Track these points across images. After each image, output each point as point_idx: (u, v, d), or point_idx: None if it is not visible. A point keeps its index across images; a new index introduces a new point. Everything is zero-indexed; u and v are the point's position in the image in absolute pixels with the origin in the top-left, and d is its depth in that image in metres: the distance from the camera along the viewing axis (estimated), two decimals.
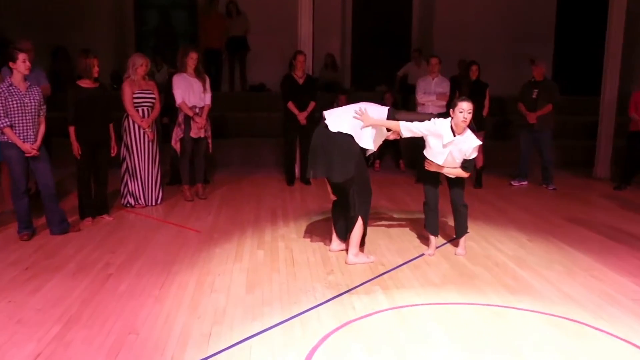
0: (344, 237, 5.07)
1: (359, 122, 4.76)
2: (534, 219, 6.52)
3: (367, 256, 4.96)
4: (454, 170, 4.86)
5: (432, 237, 5.18)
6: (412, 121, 4.81)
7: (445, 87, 8.20)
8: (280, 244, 5.42)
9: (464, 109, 4.64)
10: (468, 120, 4.66)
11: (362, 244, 5.01)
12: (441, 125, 4.76)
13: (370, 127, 4.79)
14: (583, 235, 5.89)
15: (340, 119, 4.78)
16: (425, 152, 4.93)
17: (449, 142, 4.71)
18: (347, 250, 4.96)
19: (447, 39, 11.87)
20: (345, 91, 10.19)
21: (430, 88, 8.21)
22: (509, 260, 5.06)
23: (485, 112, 8.04)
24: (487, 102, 8.06)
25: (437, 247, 5.29)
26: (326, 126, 4.77)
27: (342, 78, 12.28)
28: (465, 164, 4.81)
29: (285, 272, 4.68)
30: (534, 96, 8.10)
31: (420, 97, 8.21)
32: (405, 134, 4.84)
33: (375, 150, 5.01)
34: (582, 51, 12.61)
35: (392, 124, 4.83)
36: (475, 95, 7.73)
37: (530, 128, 8.14)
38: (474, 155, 4.75)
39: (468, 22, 12.06)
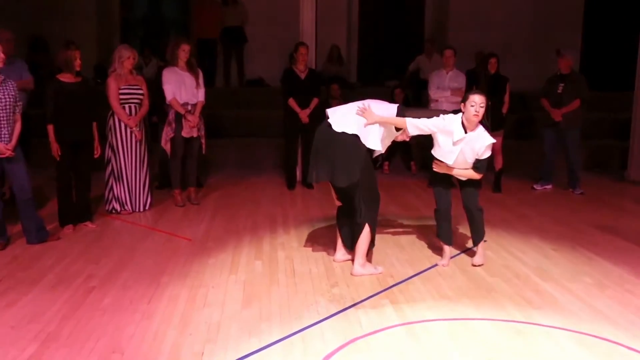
0: (350, 246, 5.08)
1: (364, 121, 4.77)
2: (559, 226, 6.51)
3: (375, 267, 4.96)
4: (465, 172, 4.87)
5: (445, 247, 5.19)
6: (420, 118, 4.82)
7: (460, 81, 8.22)
8: (280, 254, 5.43)
9: (476, 102, 4.64)
10: (480, 115, 4.66)
11: (369, 253, 5.01)
12: (451, 121, 4.77)
13: (377, 126, 4.80)
14: (614, 244, 5.88)
15: (345, 118, 4.79)
16: (433, 152, 4.94)
17: (460, 140, 4.71)
18: (352, 260, 4.96)
19: (463, 28, 11.89)
20: (337, 80, 10.19)
21: (444, 83, 8.22)
22: (531, 271, 5.05)
23: (505, 109, 8.06)
24: (507, 98, 8.07)
25: (451, 257, 5.29)
26: (329, 125, 4.78)
27: (348, 72, 12.30)
28: (478, 165, 4.82)
29: (286, 284, 4.68)
30: (559, 91, 8.10)
31: (433, 93, 8.22)
32: (412, 131, 4.85)
33: (383, 151, 5.02)
34: (614, 40, 12.56)
35: (397, 120, 4.85)
36: (494, 90, 7.77)
37: (555, 126, 8.13)
38: (487, 154, 4.76)
39: (486, 9, 12.09)
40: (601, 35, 12.67)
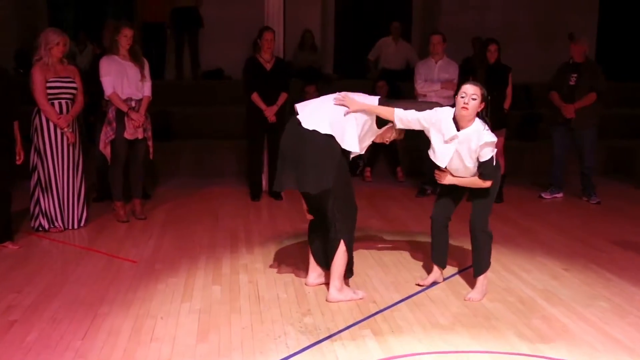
0: (324, 264, 5.13)
1: (340, 118, 4.82)
2: (571, 241, 6.63)
3: (354, 291, 5.00)
4: (467, 180, 4.88)
5: (435, 267, 5.27)
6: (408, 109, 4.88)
7: (452, 72, 8.30)
8: (242, 277, 5.45)
9: (467, 92, 4.66)
10: (471, 108, 4.65)
11: (347, 275, 5.07)
12: (442, 115, 4.81)
13: (354, 124, 4.84)
14: (636, 262, 5.99)
15: (317, 114, 4.84)
16: (430, 154, 4.97)
17: (451, 138, 4.75)
18: (327, 284, 5.01)
19: (457, 9, 12.03)
20: (315, 80, 10.24)
21: (433, 74, 8.31)
22: (537, 295, 5.13)
23: (507, 105, 8.17)
24: (509, 91, 8.18)
25: (445, 279, 5.37)
26: (299, 123, 4.83)
27: (323, 62, 12.37)
28: (482, 169, 4.78)
29: (249, 312, 4.70)
30: (572, 83, 8.23)
31: (420, 87, 8.30)
32: (399, 124, 4.89)
33: (361, 152, 5.07)
34: (635, 23, 12.75)
35: (384, 110, 4.89)
36: (494, 82, 7.85)
37: (566, 125, 8.26)
38: (488, 155, 4.72)
39: None
40: (620, 18, 12.84)
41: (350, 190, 5.00)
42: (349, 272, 5.08)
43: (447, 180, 4.93)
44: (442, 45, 8.40)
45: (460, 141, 4.73)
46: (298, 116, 4.88)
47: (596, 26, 12.70)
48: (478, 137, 4.69)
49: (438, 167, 4.99)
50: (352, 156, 5.02)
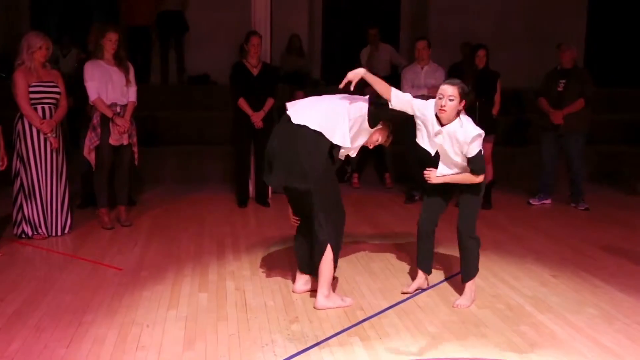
0: (307, 270, 5.15)
1: (332, 115, 4.82)
2: (560, 248, 6.68)
3: (342, 298, 5.03)
4: (459, 177, 4.87)
5: (420, 273, 5.30)
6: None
7: (439, 77, 8.33)
8: (228, 284, 5.46)
9: (444, 94, 4.68)
10: (449, 110, 4.67)
11: (333, 281, 5.09)
12: (430, 110, 4.84)
13: (347, 120, 4.84)
14: (624, 269, 6.04)
15: (308, 110, 4.88)
16: (418, 141, 4.99)
17: (436, 133, 4.80)
18: (315, 290, 5.03)
19: (446, 14, 12.10)
20: (303, 84, 10.27)
21: (420, 80, 8.35)
22: (526, 301, 5.17)
23: (495, 110, 8.22)
24: (498, 97, 8.24)
25: (432, 286, 5.40)
26: (288, 119, 4.86)
27: (311, 67, 12.41)
28: (472, 165, 4.79)
29: (236, 320, 4.71)
30: (560, 89, 8.31)
31: (407, 92, 8.30)
32: (394, 102, 4.90)
33: (352, 151, 5.07)
34: (624, 29, 12.86)
35: (383, 86, 4.92)
36: (483, 88, 7.92)
37: (555, 130, 8.33)
38: (476, 150, 4.73)
39: None
40: (608, 24, 12.94)
41: (337, 193, 5.02)
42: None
43: (437, 179, 4.90)
44: (427, 50, 8.45)
45: (444, 136, 4.78)
46: (288, 112, 4.91)
47: (584, 32, 12.79)
48: (464, 134, 4.72)
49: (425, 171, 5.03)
50: (341, 154, 5.01)
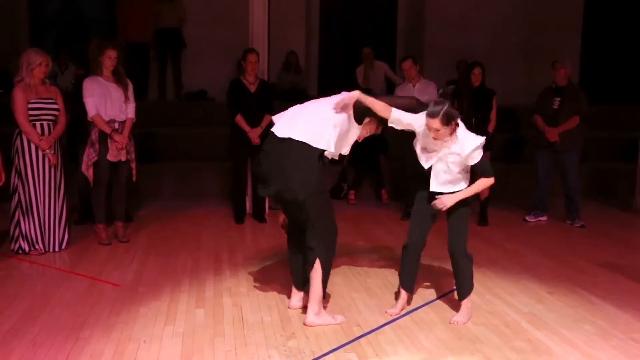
0: (301, 287, 5.16)
1: (315, 123, 4.81)
2: (556, 264, 6.69)
3: (333, 316, 4.99)
4: (472, 189, 4.89)
5: (402, 292, 5.27)
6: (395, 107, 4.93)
7: (431, 92, 8.34)
8: (225, 300, 5.46)
9: (429, 128, 4.72)
10: (440, 137, 4.73)
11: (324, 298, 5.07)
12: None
13: (332, 125, 4.81)
14: (620, 286, 6.05)
15: (291, 122, 4.87)
16: (416, 148, 5.01)
17: (434, 151, 4.84)
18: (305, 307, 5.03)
19: (441, 31, 12.15)
20: (299, 102, 10.30)
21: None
22: (522, 318, 5.18)
23: (491, 128, 8.23)
24: (493, 115, 8.27)
25: (429, 302, 5.41)
26: (274, 135, 4.87)
27: (307, 83, 12.45)
28: (479, 170, 4.87)
29: (233, 336, 4.72)
30: (555, 106, 8.34)
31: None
32: (394, 124, 4.95)
33: (341, 153, 5.04)
34: (619, 48, 12.93)
35: (382, 107, 4.91)
36: (478, 106, 7.98)
37: (550, 148, 8.35)
38: (478, 157, 4.80)
39: (469, 10, 12.36)
40: (603, 41, 13.02)
41: (330, 208, 5.01)
42: (324, 286, 5.04)
43: (451, 202, 4.87)
44: (414, 68, 8.49)
45: (440, 158, 4.83)
46: (272, 129, 4.92)
47: (579, 49, 12.86)
48: (460, 148, 4.78)
49: (422, 186, 5.03)
50: (328, 157, 4.96)
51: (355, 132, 5.04)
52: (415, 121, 4.95)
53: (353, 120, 4.96)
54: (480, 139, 4.83)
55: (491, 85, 8.43)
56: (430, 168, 4.92)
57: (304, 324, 4.91)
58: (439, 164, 4.86)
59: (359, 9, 13.13)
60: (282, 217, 5.33)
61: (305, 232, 4.92)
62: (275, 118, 5.04)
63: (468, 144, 4.78)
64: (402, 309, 5.24)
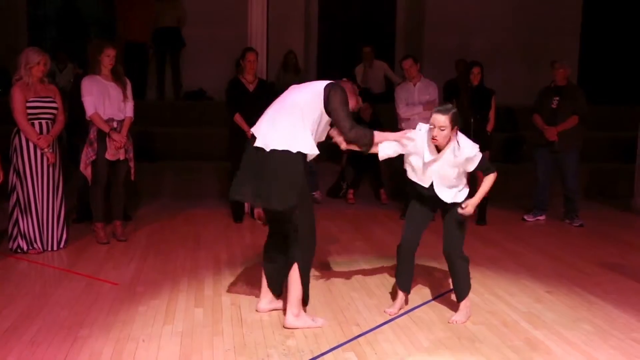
0: (277, 291, 5.12)
1: (290, 128, 4.70)
2: (555, 264, 6.70)
3: (313, 319, 4.93)
4: (484, 189, 4.92)
5: (400, 293, 5.27)
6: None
7: (432, 92, 8.35)
8: (224, 299, 5.46)
9: (436, 123, 4.73)
10: (440, 139, 4.73)
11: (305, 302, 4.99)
12: (419, 139, 4.88)
13: (302, 126, 4.72)
14: (619, 285, 6.07)
15: (271, 131, 4.75)
16: (409, 175, 5.04)
17: (433, 160, 4.85)
18: (282, 309, 4.97)
19: (441, 31, 12.16)
20: None
21: (414, 97, 8.37)
22: (521, 317, 5.18)
23: (490, 127, 8.26)
24: (492, 114, 8.28)
25: (427, 302, 5.41)
26: (255, 146, 4.78)
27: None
28: (481, 169, 4.90)
29: (232, 335, 4.72)
30: (554, 106, 8.36)
31: (402, 111, 8.32)
32: (383, 155, 4.99)
33: (315, 151, 4.86)
34: (617, 49, 12.96)
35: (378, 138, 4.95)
36: (477, 105, 7.98)
37: (549, 147, 8.37)
38: (477, 161, 4.83)
39: (469, 10, 12.37)
40: (602, 42, 13.05)
41: (312, 215, 4.93)
42: (305, 295, 4.97)
43: (473, 206, 4.92)
44: (415, 67, 8.45)
45: (440, 163, 4.84)
46: (255, 143, 4.80)
47: (578, 49, 12.88)
48: (460, 153, 4.80)
49: (418, 186, 5.04)
50: (309, 158, 4.88)
51: (326, 125, 4.90)
52: (402, 145, 4.97)
53: (324, 114, 4.81)
54: (476, 147, 4.87)
55: (490, 84, 8.45)
56: (431, 187, 4.95)
57: (283, 326, 4.84)
58: (437, 166, 4.86)
59: (358, 9, 13.13)
60: (257, 211, 5.28)
61: (287, 234, 4.86)
62: (255, 129, 4.90)
63: (466, 151, 4.81)
64: (400, 309, 5.24)
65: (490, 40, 12.25)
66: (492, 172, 4.94)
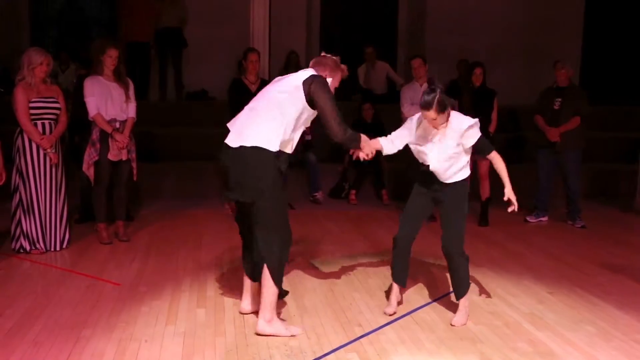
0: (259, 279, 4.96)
1: (266, 125, 4.56)
2: (557, 265, 6.71)
3: (287, 327, 4.77)
4: (504, 173, 5.03)
5: (394, 286, 5.26)
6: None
7: None
8: (227, 300, 5.46)
9: (427, 118, 4.79)
10: (438, 124, 4.78)
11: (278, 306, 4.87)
12: (420, 119, 4.94)
13: (278, 124, 4.57)
14: (622, 286, 6.07)
15: (245, 129, 4.64)
16: (420, 158, 5.03)
17: (434, 135, 4.87)
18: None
19: (443, 31, 12.17)
20: None
21: (419, 97, 8.35)
22: (523, 318, 5.19)
23: (492, 128, 8.28)
24: (494, 115, 8.30)
25: (430, 302, 5.42)
26: (227, 147, 4.68)
27: None
28: (480, 149, 4.92)
29: (234, 335, 4.72)
30: (556, 107, 8.36)
31: (407, 110, 8.32)
32: (388, 150, 5.03)
33: (291, 151, 4.77)
34: (619, 49, 12.97)
35: (375, 144, 5.00)
36: (479, 106, 7.98)
37: (551, 148, 8.38)
38: (477, 135, 4.84)
39: (470, 10, 12.39)
40: (605, 42, 13.06)
41: (284, 212, 4.79)
42: (280, 294, 4.84)
43: (512, 194, 5.10)
44: (423, 67, 8.48)
45: (441, 137, 4.85)
46: (226, 140, 4.72)
47: (580, 50, 12.90)
48: (458, 124, 4.82)
49: (420, 180, 5.08)
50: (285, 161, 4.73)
51: (310, 111, 4.73)
52: (406, 128, 5.02)
53: (307, 107, 4.66)
54: (475, 119, 4.87)
55: (492, 85, 8.46)
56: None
57: (255, 332, 4.73)
58: (437, 146, 4.87)
59: (360, 9, 13.14)
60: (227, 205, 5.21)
61: (252, 231, 4.76)
62: (230, 125, 4.81)
63: (463, 121, 4.83)
64: (397, 305, 5.24)
65: (492, 40, 12.26)
66: (492, 150, 4.96)
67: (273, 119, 4.60)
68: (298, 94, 4.62)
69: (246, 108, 4.84)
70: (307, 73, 4.77)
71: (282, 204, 4.82)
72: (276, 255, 4.67)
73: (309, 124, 4.85)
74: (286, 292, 5.04)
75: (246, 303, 5.12)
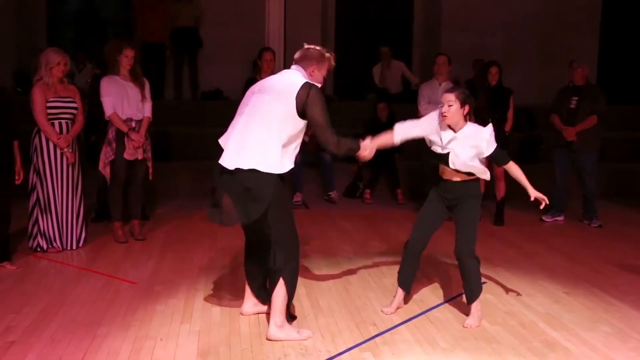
0: (263, 298, 5.02)
1: (258, 144, 4.50)
2: (573, 265, 6.68)
3: (298, 331, 4.72)
4: (523, 179, 5.13)
5: (399, 291, 5.26)
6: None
7: None
8: (241, 299, 5.45)
9: (444, 100, 4.79)
10: (450, 115, 4.75)
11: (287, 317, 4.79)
12: (436, 119, 4.92)
13: (273, 143, 4.48)
14: (638, 286, 6.03)
15: (241, 150, 4.62)
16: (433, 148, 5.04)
17: (451, 139, 4.85)
18: (267, 314, 4.88)
19: (458, 31, 12.14)
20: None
21: (437, 96, 8.33)
22: (538, 318, 5.17)
23: (508, 127, 8.23)
24: (510, 114, 8.26)
25: (445, 302, 5.42)
26: (222, 168, 4.69)
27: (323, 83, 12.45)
28: (497, 160, 5.00)
29: (249, 334, 4.74)
30: (572, 106, 8.33)
31: (423, 108, 8.30)
32: (400, 140, 5.01)
33: (292, 167, 4.65)
34: (636, 48, 12.89)
35: (387, 138, 4.99)
36: (495, 105, 7.96)
37: (567, 147, 8.34)
38: (493, 146, 4.84)
39: (486, 9, 12.35)
40: (621, 40, 12.99)
41: (291, 219, 4.72)
42: (289, 316, 4.80)
43: (536, 192, 5.22)
44: (447, 66, 8.49)
45: (457, 142, 4.84)
46: (220, 160, 4.72)
47: (597, 49, 12.83)
48: (476, 136, 4.82)
49: (437, 185, 5.07)
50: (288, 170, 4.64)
51: (301, 132, 4.61)
52: (421, 122, 5.04)
53: (297, 121, 4.51)
54: (491, 130, 4.88)
55: (508, 84, 8.42)
56: (447, 154, 4.91)
57: (266, 338, 4.68)
58: (455, 147, 4.86)
59: (375, 9, 13.13)
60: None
61: (262, 242, 4.76)
62: (221, 141, 4.79)
63: (483, 132, 4.84)
64: (397, 308, 5.23)
65: (507, 39, 12.23)
66: (509, 160, 5.01)
67: (269, 138, 4.50)
68: (291, 105, 4.47)
69: (239, 122, 4.73)
70: (299, 79, 4.62)
71: (288, 213, 4.74)
72: (288, 263, 4.63)
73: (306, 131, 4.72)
74: (294, 317, 4.99)
75: (248, 305, 5.12)
